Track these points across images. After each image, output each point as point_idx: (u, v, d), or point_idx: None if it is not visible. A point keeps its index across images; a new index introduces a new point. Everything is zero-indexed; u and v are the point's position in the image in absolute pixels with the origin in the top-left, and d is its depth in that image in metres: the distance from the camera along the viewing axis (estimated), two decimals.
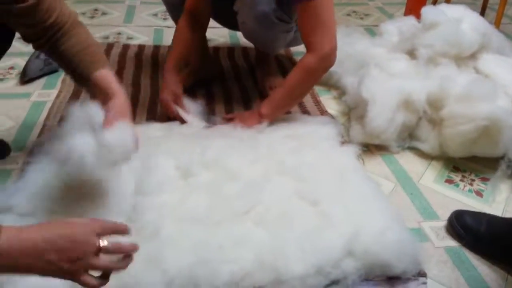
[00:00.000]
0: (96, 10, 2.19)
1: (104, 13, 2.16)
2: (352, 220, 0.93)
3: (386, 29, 1.61)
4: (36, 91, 1.51)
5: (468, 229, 1.04)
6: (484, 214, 1.09)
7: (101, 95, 0.91)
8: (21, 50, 1.64)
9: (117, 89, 0.91)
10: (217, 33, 1.95)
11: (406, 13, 2.07)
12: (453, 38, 1.38)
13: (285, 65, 1.73)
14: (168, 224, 0.90)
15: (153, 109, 1.41)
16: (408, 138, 1.36)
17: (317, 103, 1.51)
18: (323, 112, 1.46)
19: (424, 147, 1.33)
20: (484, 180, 1.27)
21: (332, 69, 1.29)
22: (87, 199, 0.91)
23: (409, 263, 0.90)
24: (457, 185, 1.25)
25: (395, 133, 1.31)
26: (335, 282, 0.87)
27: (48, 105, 1.43)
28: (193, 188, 1.00)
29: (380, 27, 1.67)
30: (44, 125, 1.32)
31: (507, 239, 1.01)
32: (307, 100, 1.51)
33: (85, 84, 0.95)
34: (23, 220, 0.87)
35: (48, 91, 1.51)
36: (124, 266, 0.68)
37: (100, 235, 0.65)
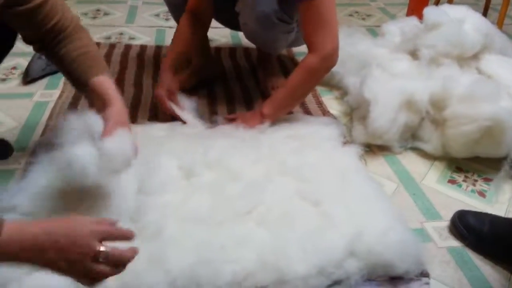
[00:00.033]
0: (98, 10, 2.19)
1: (106, 14, 2.17)
2: (354, 221, 0.93)
3: (388, 30, 1.61)
4: (39, 91, 1.52)
5: (471, 229, 1.04)
6: (487, 214, 1.08)
7: (98, 101, 0.91)
8: (23, 50, 1.64)
9: (114, 96, 0.90)
10: (219, 33, 1.95)
11: (408, 14, 2.07)
12: (455, 38, 1.38)
13: (287, 65, 1.73)
14: (170, 224, 0.90)
15: (155, 109, 1.41)
16: (411, 138, 1.36)
17: (319, 103, 1.51)
18: (325, 112, 1.46)
19: (427, 147, 1.33)
20: (487, 180, 1.27)
21: (334, 69, 1.29)
22: (89, 199, 0.91)
23: (412, 264, 0.90)
24: (460, 186, 1.24)
25: (398, 133, 1.31)
26: (337, 282, 0.86)
27: (51, 105, 1.43)
28: (196, 188, 1.00)
29: (382, 27, 1.67)
30: (46, 125, 1.32)
31: (510, 239, 1.00)
32: (309, 101, 1.51)
33: (82, 89, 0.95)
34: (25, 219, 0.87)
35: (50, 91, 1.51)
36: (120, 272, 0.68)
37: (102, 240, 0.65)
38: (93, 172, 0.82)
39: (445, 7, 1.52)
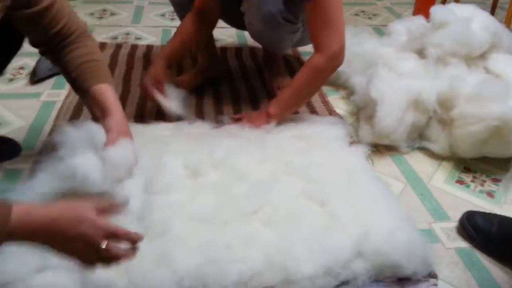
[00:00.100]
0: (104, 10, 2.20)
1: (112, 14, 2.17)
2: (361, 221, 0.92)
3: (395, 29, 1.60)
4: (46, 91, 1.52)
5: (480, 230, 1.03)
6: (496, 215, 1.07)
7: (98, 109, 0.92)
8: (30, 51, 1.63)
9: (115, 105, 0.91)
10: (224, 33, 1.95)
11: (415, 13, 2.06)
12: (463, 37, 1.37)
13: (293, 65, 1.72)
14: (176, 223, 0.90)
15: (161, 109, 1.41)
16: (418, 138, 1.35)
17: (325, 103, 1.50)
18: (331, 112, 1.45)
19: (434, 147, 1.32)
20: (495, 181, 1.25)
21: (340, 69, 1.28)
22: (95, 199, 0.91)
23: (420, 264, 0.89)
24: (468, 186, 1.23)
25: (405, 133, 1.30)
26: (344, 283, 0.86)
27: (58, 105, 1.44)
28: (202, 187, 1.00)
29: (389, 26, 1.66)
30: (54, 125, 1.33)
31: None
32: (315, 100, 1.50)
33: (83, 96, 0.96)
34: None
35: (57, 91, 1.52)
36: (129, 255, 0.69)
37: (108, 237, 0.66)
38: (96, 182, 0.83)
39: (452, 6, 1.51)
